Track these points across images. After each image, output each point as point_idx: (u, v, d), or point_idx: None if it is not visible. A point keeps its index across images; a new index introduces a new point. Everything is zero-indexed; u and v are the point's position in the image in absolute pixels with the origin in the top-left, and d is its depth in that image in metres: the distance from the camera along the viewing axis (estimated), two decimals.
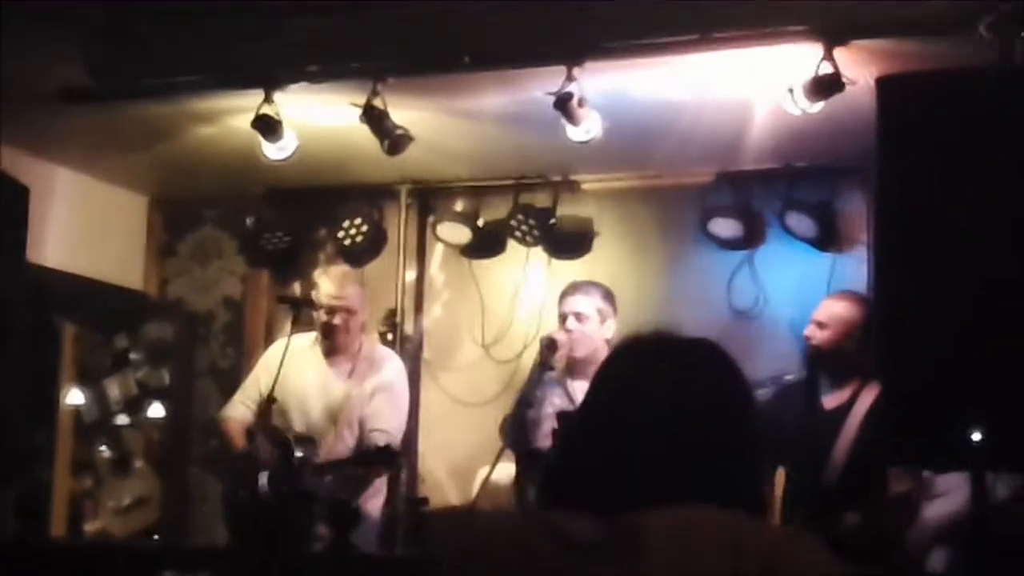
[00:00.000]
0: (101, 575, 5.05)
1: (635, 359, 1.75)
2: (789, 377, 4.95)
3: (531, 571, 1.55)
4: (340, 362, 5.63)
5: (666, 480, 1.58)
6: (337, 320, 5.56)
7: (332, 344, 5.62)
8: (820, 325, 5.05)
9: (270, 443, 5.39)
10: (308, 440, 5.42)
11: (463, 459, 6.66)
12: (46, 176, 6.55)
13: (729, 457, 1.63)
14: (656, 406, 1.66)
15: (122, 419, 7.45)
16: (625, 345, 1.77)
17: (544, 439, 5.32)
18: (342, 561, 4.83)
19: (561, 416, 4.91)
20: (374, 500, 5.66)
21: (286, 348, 5.52)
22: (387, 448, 5.15)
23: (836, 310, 5.08)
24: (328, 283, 5.63)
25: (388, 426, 5.49)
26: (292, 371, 5.55)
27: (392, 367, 5.71)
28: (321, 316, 5.61)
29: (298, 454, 5.30)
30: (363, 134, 5.36)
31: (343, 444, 5.53)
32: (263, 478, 5.27)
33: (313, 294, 5.75)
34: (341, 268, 6.11)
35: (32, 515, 5.30)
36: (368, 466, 5.26)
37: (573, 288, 5.49)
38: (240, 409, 5.67)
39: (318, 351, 5.67)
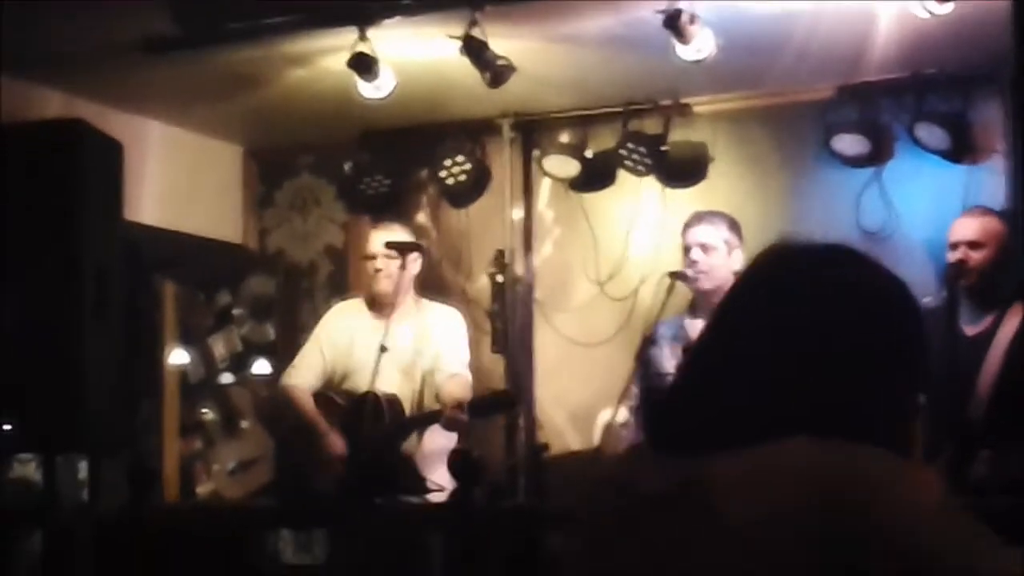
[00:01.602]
0: (216, 537, 5.17)
1: (758, 273, 1.63)
2: (926, 300, 4.88)
3: (616, 516, 1.55)
4: (401, 316, 5.68)
5: (786, 411, 1.50)
6: (383, 273, 5.66)
7: (381, 295, 5.70)
8: (958, 245, 4.99)
9: (350, 407, 5.49)
10: (393, 400, 5.51)
11: (582, 403, 6.71)
12: (136, 130, 6.63)
13: (869, 384, 1.54)
14: (780, 323, 1.55)
15: (228, 377, 7.61)
16: (751, 262, 1.65)
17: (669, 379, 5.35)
18: (467, 515, 4.89)
19: (688, 351, 4.92)
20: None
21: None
22: (504, 392, 5.21)
23: (975, 227, 5.02)
24: (374, 236, 5.76)
25: (462, 369, 5.60)
26: (351, 334, 5.71)
27: (447, 313, 5.84)
28: (369, 269, 5.74)
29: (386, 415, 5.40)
30: (462, 67, 5.37)
31: (421, 398, 5.60)
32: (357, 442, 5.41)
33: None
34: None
35: (144, 481, 5.45)
36: (486, 415, 5.31)
37: (697, 218, 5.49)
38: (305, 376, 5.76)
39: (368, 311, 5.80)
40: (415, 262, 5.75)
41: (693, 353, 1.63)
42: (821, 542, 1.38)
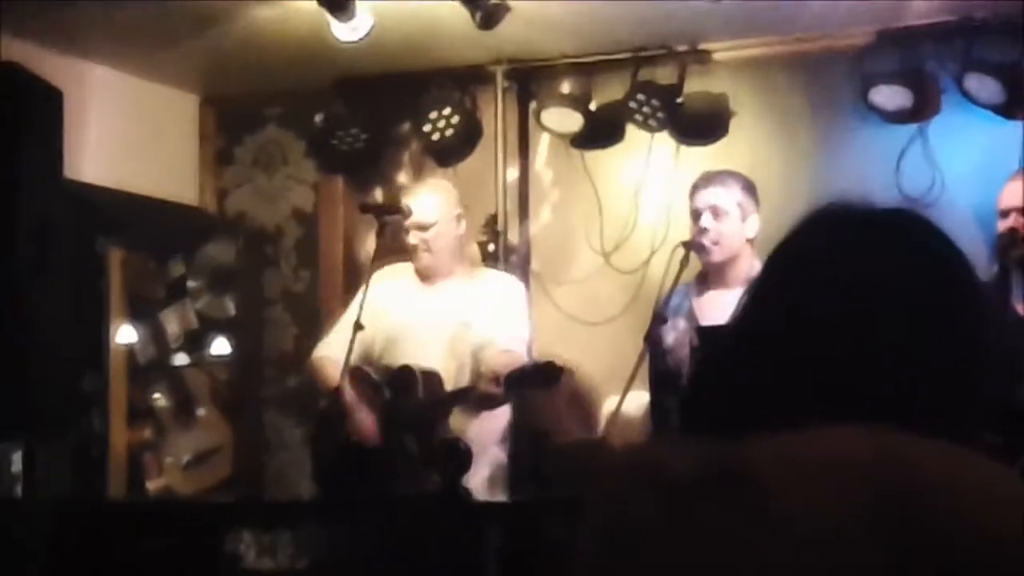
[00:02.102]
0: (168, 538, 5.19)
1: (811, 237, 1.63)
2: None
3: (639, 512, 1.55)
4: (448, 283, 5.75)
5: (841, 393, 1.51)
6: (418, 240, 5.73)
7: (425, 268, 5.78)
8: (1009, 212, 4.99)
9: (387, 381, 5.54)
10: (431, 373, 5.54)
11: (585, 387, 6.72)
12: (78, 76, 6.62)
13: (936, 368, 1.54)
14: (835, 295, 1.55)
15: (182, 358, 7.61)
16: (800, 224, 1.65)
17: (682, 361, 5.37)
18: (450, 509, 4.93)
19: (703, 332, 4.94)
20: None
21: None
22: (548, 364, 5.27)
23: None
24: (407, 200, 5.82)
25: (513, 343, 5.67)
26: (395, 304, 5.75)
27: (505, 281, 5.98)
28: (407, 239, 5.80)
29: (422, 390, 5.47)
30: (449, 7, 5.37)
31: (466, 374, 5.65)
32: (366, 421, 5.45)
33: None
34: (427, 182, 6.19)
35: (89, 472, 5.47)
36: (531, 386, 5.35)
37: (707, 179, 5.51)
38: (337, 348, 5.76)
39: (417, 279, 5.87)
40: (456, 224, 5.83)
41: (733, 326, 1.63)
42: (892, 540, 1.38)
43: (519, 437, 6.06)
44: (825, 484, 1.43)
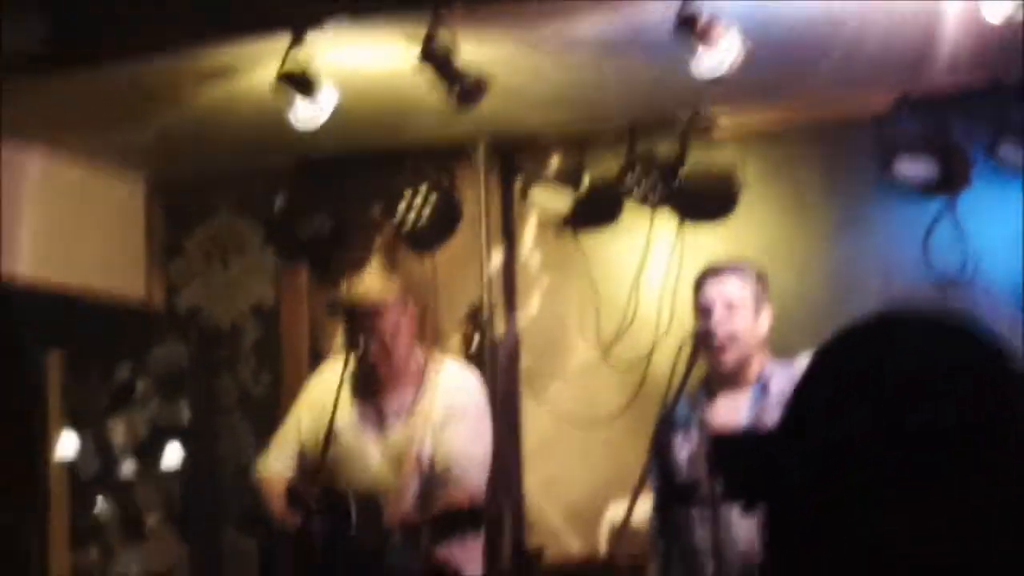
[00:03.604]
0: None
1: (876, 345, 1.60)
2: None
3: None
4: (391, 389, 5.67)
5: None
6: (370, 330, 5.58)
7: (373, 367, 5.66)
8: None
9: (321, 506, 5.46)
10: (369, 498, 5.47)
11: (583, 496, 6.72)
12: (10, 159, 6.63)
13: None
14: (930, 440, 1.52)
15: (130, 470, 7.58)
16: (847, 342, 1.62)
17: (689, 469, 5.35)
18: None
19: (718, 442, 4.91)
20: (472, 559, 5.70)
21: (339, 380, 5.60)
22: (471, 509, 5.19)
23: None
24: (350, 286, 5.69)
25: (471, 461, 5.55)
26: (336, 409, 5.63)
27: (464, 384, 5.75)
28: (348, 330, 5.67)
29: (356, 518, 5.37)
30: (423, 80, 5.39)
31: (410, 498, 5.57)
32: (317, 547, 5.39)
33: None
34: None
35: None
36: (446, 536, 5.28)
37: (716, 270, 5.49)
38: (280, 464, 5.75)
39: (362, 379, 5.73)
40: (400, 316, 5.68)
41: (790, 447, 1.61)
42: None
43: (496, 555, 6.02)
44: None
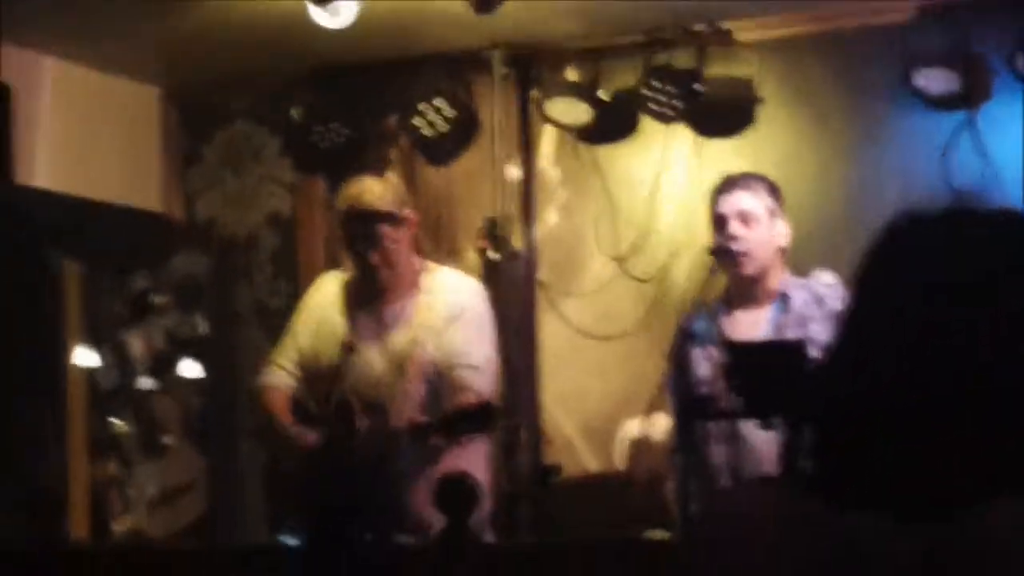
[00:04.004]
0: None
1: (908, 240, 1.59)
2: None
3: None
4: (391, 297, 5.71)
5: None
6: (378, 238, 5.59)
7: (374, 273, 5.68)
8: None
9: (325, 415, 5.54)
10: (374, 404, 5.59)
11: (599, 410, 6.79)
12: (27, 69, 6.67)
13: None
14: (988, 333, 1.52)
15: (148, 382, 7.65)
16: (903, 239, 1.60)
17: (708, 383, 5.39)
18: (459, 554, 4.94)
19: (735, 348, 4.95)
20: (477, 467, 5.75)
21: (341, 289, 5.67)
22: (482, 406, 5.25)
23: None
24: (351, 190, 5.70)
25: (475, 361, 5.59)
26: (338, 317, 5.71)
27: (463, 288, 5.77)
28: (351, 236, 5.69)
29: (361, 424, 5.44)
30: None
31: (417, 403, 5.63)
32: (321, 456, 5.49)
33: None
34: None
35: (47, 512, 5.49)
36: (458, 434, 5.35)
37: (731, 182, 5.52)
38: (281, 375, 5.81)
39: (363, 286, 5.77)
40: (404, 225, 5.68)
41: (843, 373, 1.61)
42: None
43: (511, 469, 6.05)
44: None
